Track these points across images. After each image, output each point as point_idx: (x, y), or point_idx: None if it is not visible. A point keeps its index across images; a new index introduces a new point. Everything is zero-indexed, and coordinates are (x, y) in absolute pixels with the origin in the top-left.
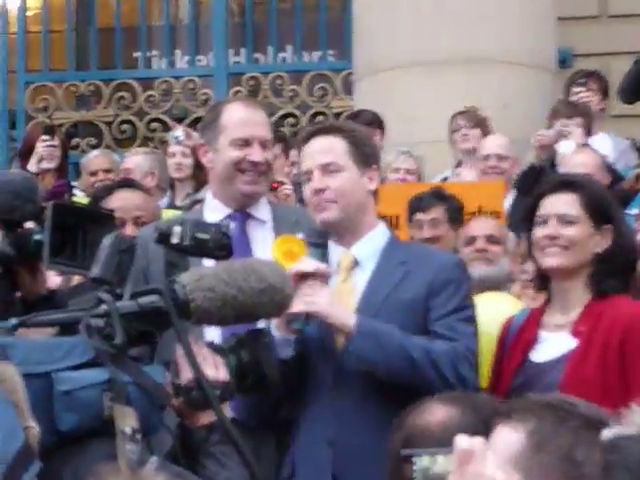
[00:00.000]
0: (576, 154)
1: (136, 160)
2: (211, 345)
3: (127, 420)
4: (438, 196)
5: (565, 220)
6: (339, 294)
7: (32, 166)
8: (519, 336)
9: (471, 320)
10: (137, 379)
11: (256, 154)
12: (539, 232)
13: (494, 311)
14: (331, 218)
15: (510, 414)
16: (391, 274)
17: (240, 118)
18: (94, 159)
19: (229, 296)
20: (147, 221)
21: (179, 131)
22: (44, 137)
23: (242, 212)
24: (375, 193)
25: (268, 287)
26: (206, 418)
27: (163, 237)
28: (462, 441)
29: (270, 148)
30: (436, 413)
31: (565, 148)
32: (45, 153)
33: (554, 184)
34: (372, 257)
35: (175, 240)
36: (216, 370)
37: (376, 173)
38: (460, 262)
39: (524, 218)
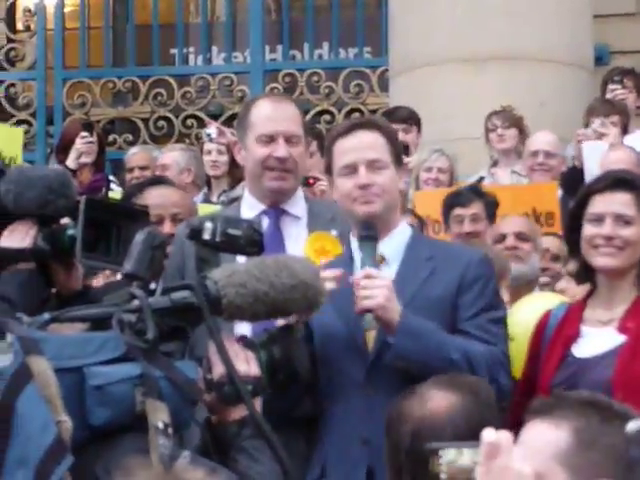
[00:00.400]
0: (611, 152)
1: (173, 156)
2: (243, 340)
3: (159, 415)
4: (476, 192)
5: (622, 220)
6: None
7: (71, 162)
8: (559, 331)
9: (501, 321)
10: (169, 374)
11: (281, 150)
12: (592, 230)
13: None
14: (377, 211)
15: (549, 411)
16: (418, 270)
17: (266, 114)
18: (132, 156)
19: (261, 292)
20: (184, 218)
21: (212, 128)
22: (83, 134)
23: (276, 208)
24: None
25: (300, 283)
26: (238, 413)
27: (195, 233)
28: (489, 435)
29: (299, 143)
30: (439, 402)
31: (589, 150)
32: (84, 149)
33: (609, 182)
34: (398, 253)
35: (206, 236)
36: (248, 365)
37: (405, 172)
38: (486, 257)
39: (572, 214)
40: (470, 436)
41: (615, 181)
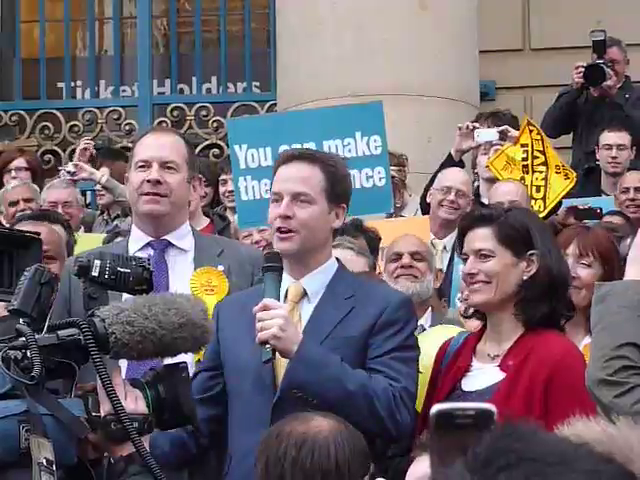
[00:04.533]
0: (500, 185)
1: (71, 192)
2: (129, 379)
3: (43, 452)
4: (357, 228)
5: (482, 255)
6: None
7: None
8: (453, 362)
9: (411, 361)
10: (54, 411)
11: (153, 173)
12: (463, 270)
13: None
14: (291, 249)
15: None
16: (336, 309)
17: (146, 143)
18: (14, 188)
19: (148, 330)
20: (54, 255)
21: (70, 166)
22: None
23: (162, 240)
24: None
25: (188, 322)
26: (125, 450)
27: (83, 270)
28: None
29: (177, 171)
30: (321, 422)
31: (484, 136)
32: None
33: (470, 220)
34: (320, 290)
35: (95, 273)
36: (135, 403)
37: (343, 211)
38: (407, 300)
39: (460, 256)
40: (350, 459)
41: (474, 219)
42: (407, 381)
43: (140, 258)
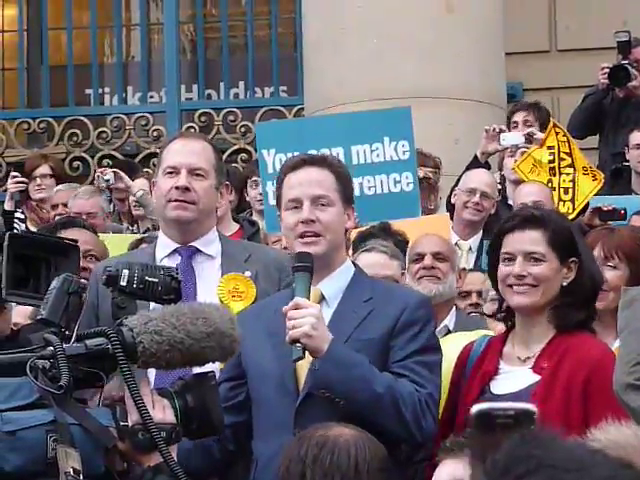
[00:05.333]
0: (523, 186)
1: (96, 202)
2: (158, 388)
3: (70, 461)
4: (386, 231)
5: (532, 258)
6: None
7: (6, 204)
8: (478, 366)
9: (434, 365)
10: (82, 421)
11: (181, 180)
12: (505, 269)
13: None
14: (319, 252)
15: (460, 450)
16: (355, 312)
17: (174, 149)
18: (57, 193)
19: (176, 340)
20: (96, 255)
21: (109, 174)
22: (13, 173)
23: (189, 247)
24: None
25: (215, 331)
26: (152, 460)
27: (111, 279)
28: None
29: (205, 178)
30: (342, 429)
31: (510, 139)
32: (13, 189)
33: (518, 220)
34: (339, 293)
35: (123, 283)
36: (163, 413)
37: (353, 212)
38: (426, 301)
39: (490, 254)
40: (370, 463)
41: (524, 219)
42: (431, 387)
43: (169, 267)
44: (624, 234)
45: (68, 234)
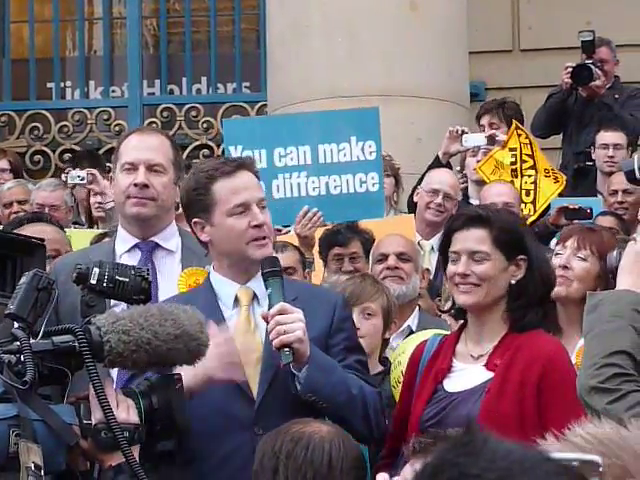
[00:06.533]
0: (492, 186)
1: (58, 196)
2: (123, 387)
3: (32, 456)
4: (353, 230)
5: (476, 257)
6: (244, 331)
7: None
8: (432, 364)
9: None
10: (45, 417)
11: (140, 177)
12: (451, 268)
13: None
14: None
15: (426, 450)
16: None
17: (132, 144)
18: (8, 190)
19: (143, 340)
20: (60, 254)
21: (85, 172)
22: None
23: (149, 241)
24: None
25: (183, 334)
26: (114, 459)
27: (81, 277)
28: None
29: (163, 173)
30: (320, 426)
31: (472, 141)
32: None
33: (464, 219)
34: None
35: (93, 281)
36: (127, 413)
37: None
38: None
39: (441, 253)
40: (346, 458)
41: (469, 218)
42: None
43: (139, 268)
44: (604, 233)
45: (35, 229)
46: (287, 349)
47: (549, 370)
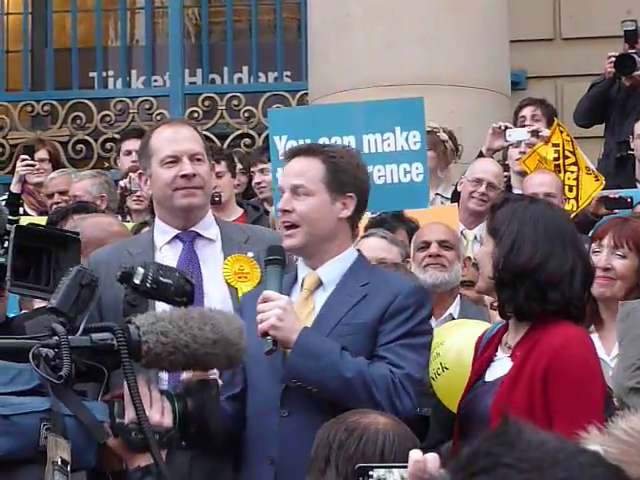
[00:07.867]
0: (534, 175)
1: (83, 186)
2: (159, 389)
3: (60, 451)
4: (399, 218)
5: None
6: (299, 314)
7: (13, 186)
8: (483, 353)
9: (420, 347)
10: (77, 413)
11: (187, 168)
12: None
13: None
14: (295, 245)
15: None
16: (350, 296)
17: (166, 138)
18: (51, 180)
19: (181, 342)
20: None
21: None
22: (22, 156)
23: (190, 232)
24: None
25: (222, 339)
26: (143, 460)
27: (125, 277)
28: (416, 454)
29: (203, 161)
30: (376, 417)
31: (516, 135)
32: (23, 172)
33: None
34: (337, 279)
35: (137, 281)
36: (161, 415)
37: (352, 200)
38: (420, 288)
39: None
40: (399, 451)
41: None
42: (411, 367)
43: (183, 271)
44: (637, 224)
45: (86, 220)
46: (268, 337)
47: (554, 361)
